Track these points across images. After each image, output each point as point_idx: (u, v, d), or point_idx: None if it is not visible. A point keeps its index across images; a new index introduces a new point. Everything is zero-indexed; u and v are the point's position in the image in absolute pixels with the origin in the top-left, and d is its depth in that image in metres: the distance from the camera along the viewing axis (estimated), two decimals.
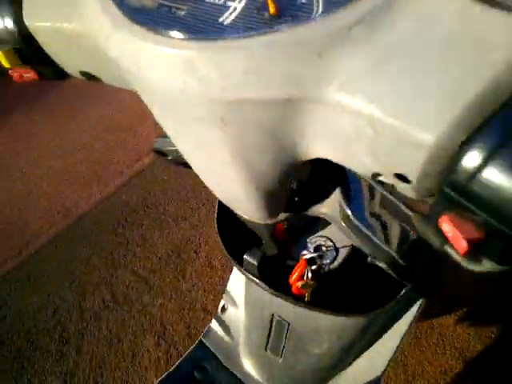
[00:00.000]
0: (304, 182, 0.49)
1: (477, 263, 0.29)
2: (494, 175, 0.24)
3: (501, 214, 0.25)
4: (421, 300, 0.78)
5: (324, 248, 0.64)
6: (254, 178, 0.42)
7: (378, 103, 0.26)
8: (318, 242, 0.65)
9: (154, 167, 1.93)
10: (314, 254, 0.62)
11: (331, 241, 0.64)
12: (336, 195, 0.50)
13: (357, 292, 0.67)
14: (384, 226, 0.50)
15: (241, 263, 0.68)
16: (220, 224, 0.70)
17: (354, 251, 0.63)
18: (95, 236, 1.68)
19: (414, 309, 0.79)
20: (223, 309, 1.01)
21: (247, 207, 0.49)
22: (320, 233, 0.65)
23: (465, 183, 0.25)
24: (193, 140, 0.39)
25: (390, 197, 0.46)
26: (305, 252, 0.64)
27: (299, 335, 0.79)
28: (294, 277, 0.62)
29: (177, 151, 0.55)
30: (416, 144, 0.25)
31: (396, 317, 0.81)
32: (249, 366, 0.94)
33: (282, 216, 0.54)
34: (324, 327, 0.75)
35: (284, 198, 0.49)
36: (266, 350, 0.86)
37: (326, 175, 0.50)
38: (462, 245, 0.26)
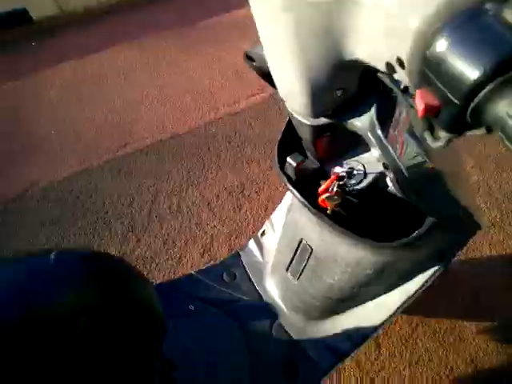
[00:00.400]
0: (347, 94, 0.56)
1: (435, 139, 0.36)
2: (450, 57, 0.32)
3: (451, 87, 0.33)
4: (438, 266, 0.80)
5: (355, 170, 0.70)
6: (307, 68, 0.51)
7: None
8: (351, 164, 0.71)
9: (247, 113, 2.08)
10: (344, 170, 0.70)
11: (363, 166, 0.71)
12: (370, 113, 0.57)
13: (373, 227, 0.73)
14: (402, 145, 0.56)
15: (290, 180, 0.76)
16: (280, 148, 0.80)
17: (379, 180, 0.69)
18: (180, 155, 1.90)
19: (429, 272, 0.81)
20: (263, 233, 1.13)
21: (299, 101, 0.58)
22: (355, 158, 0.72)
23: (434, 62, 0.34)
24: (267, 30, 0.51)
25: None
26: (337, 168, 0.71)
27: (318, 261, 0.87)
28: (322, 187, 0.70)
29: (261, 57, 0.64)
30: (407, 29, 0.35)
31: (409, 274, 0.84)
32: (270, 284, 1.05)
33: (326, 120, 0.61)
34: (342, 257, 0.82)
35: (329, 101, 0.57)
36: (287, 270, 0.97)
37: (363, 96, 0.58)
38: (421, 107, 0.34)
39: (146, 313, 0.58)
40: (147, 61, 2.61)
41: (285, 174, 0.76)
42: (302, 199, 0.74)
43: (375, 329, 0.88)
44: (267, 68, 0.61)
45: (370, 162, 0.70)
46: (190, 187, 1.75)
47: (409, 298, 0.84)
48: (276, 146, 0.80)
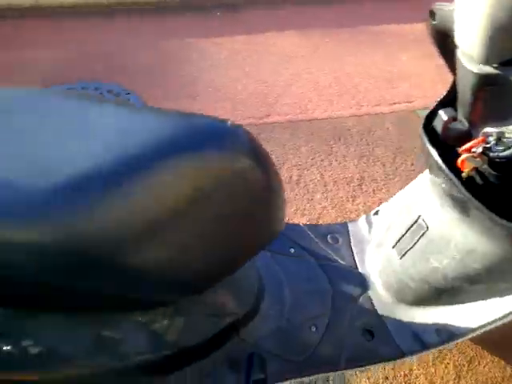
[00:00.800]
0: None
1: None
2: None
3: None
4: None
5: (506, 135, 0.65)
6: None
7: None
8: (503, 129, 0.66)
9: (387, 117, 2.11)
10: (495, 131, 0.66)
11: None
12: None
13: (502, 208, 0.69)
14: None
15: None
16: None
17: None
18: (312, 137, 2.04)
19: None
20: (376, 213, 1.16)
21: (480, 39, 0.60)
22: (509, 126, 0.67)
23: None
24: None
25: None
26: (488, 128, 0.68)
27: (429, 242, 0.88)
28: (465, 146, 0.69)
29: (444, 15, 0.69)
30: None
31: None
32: (369, 257, 1.06)
33: (494, 71, 0.62)
34: (455, 241, 0.80)
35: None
36: (393, 247, 0.99)
37: None
38: None
39: (276, 201, 0.61)
40: (308, 49, 2.79)
41: (427, 133, 0.77)
42: (438, 158, 0.74)
43: (467, 332, 0.85)
44: (446, 26, 0.65)
45: None
46: (313, 167, 1.87)
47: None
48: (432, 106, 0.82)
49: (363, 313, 0.95)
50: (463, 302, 0.88)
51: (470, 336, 0.86)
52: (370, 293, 1.00)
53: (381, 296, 0.98)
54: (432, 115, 0.82)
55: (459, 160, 0.69)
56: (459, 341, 0.87)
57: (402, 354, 0.87)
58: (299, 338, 0.88)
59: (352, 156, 1.92)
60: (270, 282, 0.92)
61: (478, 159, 0.67)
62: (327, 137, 2.03)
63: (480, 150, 0.66)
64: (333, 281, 1.00)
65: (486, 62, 0.62)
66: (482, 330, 0.84)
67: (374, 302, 0.98)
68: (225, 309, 0.78)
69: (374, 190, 1.74)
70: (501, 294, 0.81)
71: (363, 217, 1.18)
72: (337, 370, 0.84)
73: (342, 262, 1.06)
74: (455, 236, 0.80)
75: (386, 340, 0.89)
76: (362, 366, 0.86)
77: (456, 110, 0.77)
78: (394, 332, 0.90)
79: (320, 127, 2.10)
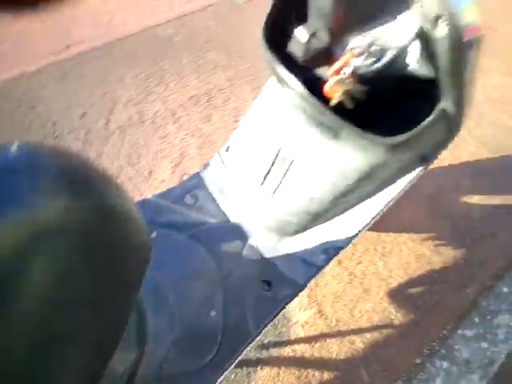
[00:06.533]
0: None
1: None
2: None
3: None
4: (420, 168, 0.78)
5: (374, 45, 0.59)
6: None
7: None
8: (370, 39, 0.60)
9: (204, 13, 1.86)
10: (363, 44, 0.59)
11: (381, 41, 0.60)
12: None
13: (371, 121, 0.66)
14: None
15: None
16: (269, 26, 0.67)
17: (398, 58, 0.59)
18: (133, 59, 1.69)
19: (412, 174, 0.79)
20: (227, 149, 1.01)
21: None
22: (376, 31, 0.61)
23: None
24: None
25: None
26: (355, 41, 0.60)
27: (298, 174, 0.81)
28: (333, 68, 0.59)
29: None
30: None
31: (392, 179, 0.81)
32: (237, 203, 0.97)
33: None
34: (326, 166, 0.76)
35: None
36: (261, 185, 0.89)
37: None
38: None
39: (131, 226, 0.45)
40: None
41: (278, 53, 0.64)
42: (302, 87, 0.64)
43: (350, 239, 0.86)
44: None
45: (390, 36, 0.59)
46: (150, 96, 1.59)
47: (388, 202, 0.83)
48: (264, 20, 0.68)
49: (252, 265, 0.89)
50: (339, 215, 0.88)
51: (352, 242, 0.88)
52: (251, 242, 0.92)
53: (263, 240, 0.92)
54: (271, 20, 0.67)
55: (327, 86, 0.60)
56: (345, 249, 0.89)
57: (301, 287, 0.86)
58: (202, 334, 0.79)
59: (187, 69, 1.67)
60: (148, 296, 0.77)
61: (348, 80, 0.59)
62: (151, 54, 1.71)
63: (350, 69, 0.58)
64: (211, 249, 0.88)
65: None
66: (361, 233, 0.87)
67: (259, 248, 0.91)
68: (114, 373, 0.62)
69: (225, 102, 1.59)
70: (368, 196, 0.84)
71: (214, 158, 1.02)
72: (251, 342, 0.79)
73: (211, 220, 0.94)
74: (325, 162, 0.75)
75: (282, 281, 0.86)
76: (271, 322, 0.83)
77: (300, 16, 0.64)
78: (286, 270, 0.88)
79: (139, 44, 1.74)
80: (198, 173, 1.02)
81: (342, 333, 1.16)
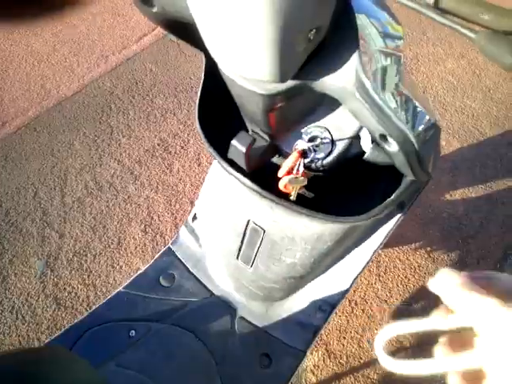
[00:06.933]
0: (320, 34, 0.40)
1: None
2: None
3: None
4: (399, 215, 0.75)
5: (319, 139, 0.56)
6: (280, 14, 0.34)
7: None
8: (313, 133, 0.57)
9: (142, 57, 1.78)
10: (309, 144, 0.56)
11: (329, 132, 0.57)
12: (351, 64, 0.42)
13: (340, 200, 0.64)
14: (403, 106, 0.43)
15: (224, 156, 0.61)
16: (202, 114, 0.64)
17: (351, 147, 0.57)
18: (77, 122, 1.59)
19: (393, 221, 0.76)
20: (194, 217, 0.96)
21: (262, 59, 0.40)
22: (317, 124, 0.57)
23: None
24: None
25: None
26: (298, 142, 0.57)
27: (273, 243, 0.76)
28: (284, 169, 0.57)
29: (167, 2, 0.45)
30: None
31: (373, 231, 0.78)
32: (216, 274, 0.92)
33: (286, 86, 0.46)
34: (300, 235, 0.72)
35: (300, 52, 0.41)
36: (237, 258, 0.84)
37: (341, 39, 0.42)
38: None
39: None
40: None
41: (229, 156, 0.60)
42: (256, 187, 0.61)
43: (344, 293, 0.82)
44: (177, 14, 0.43)
45: (337, 124, 0.56)
46: (103, 158, 1.49)
47: (375, 250, 0.79)
48: (196, 114, 0.64)
49: (247, 339, 0.83)
50: (327, 269, 0.84)
51: (348, 294, 0.84)
52: (240, 313, 0.87)
53: (252, 309, 0.87)
54: (202, 113, 0.63)
55: (281, 185, 0.57)
56: (342, 302, 0.84)
57: (303, 352, 0.81)
58: None
59: (136, 121, 1.59)
60: None
61: (302, 178, 0.56)
62: (95, 113, 1.62)
63: (302, 168, 0.56)
64: (199, 332, 0.82)
65: (282, 77, 0.43)
66: (354, 284, 0.83)
67: (250, 319, 0.86)
68: None
69: (183, 147, 1.51)
70: (355, 245, 0.81)
71: (182, 229, 0.96)
72: None
73: (192, 299, 0.87)
74: (297, 230, 0.71)
75: (281, 351, 0.81)
76: None
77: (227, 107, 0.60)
78: (284, 337, 0.83)
79: (79, 106, 1.64)
80: (168, 247, 0.95)
81: (355, 369, 1.10)
